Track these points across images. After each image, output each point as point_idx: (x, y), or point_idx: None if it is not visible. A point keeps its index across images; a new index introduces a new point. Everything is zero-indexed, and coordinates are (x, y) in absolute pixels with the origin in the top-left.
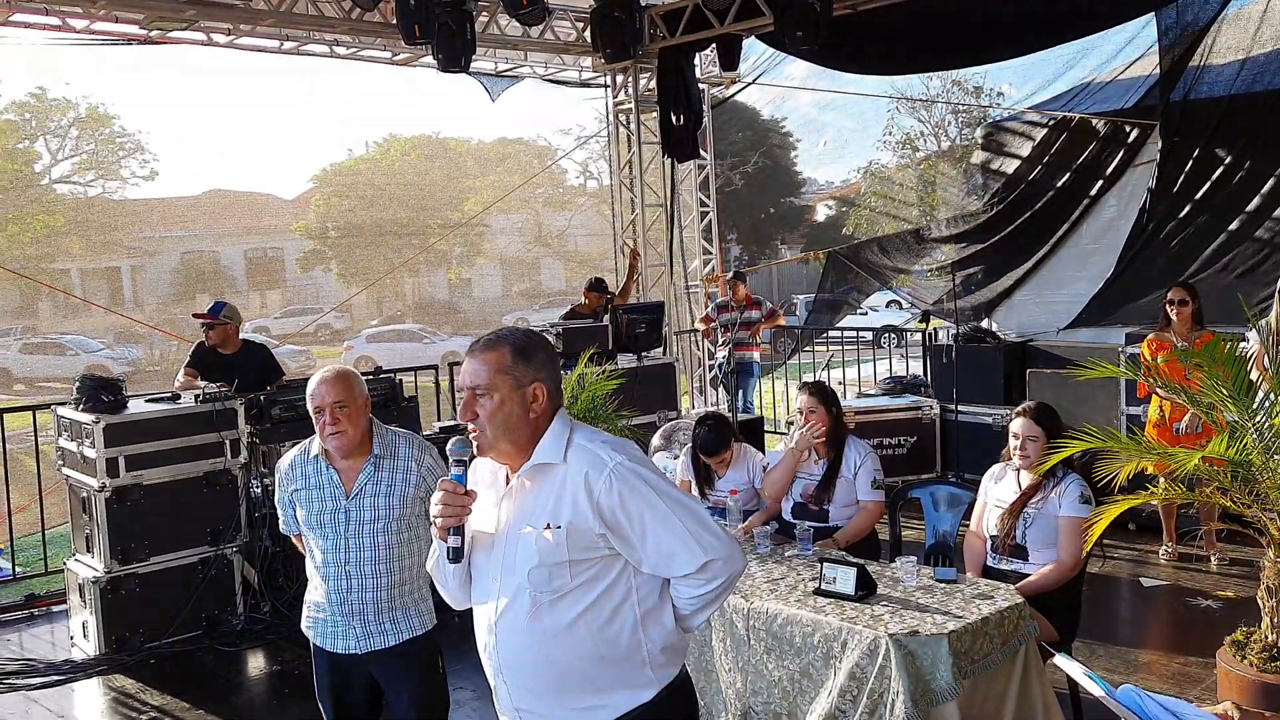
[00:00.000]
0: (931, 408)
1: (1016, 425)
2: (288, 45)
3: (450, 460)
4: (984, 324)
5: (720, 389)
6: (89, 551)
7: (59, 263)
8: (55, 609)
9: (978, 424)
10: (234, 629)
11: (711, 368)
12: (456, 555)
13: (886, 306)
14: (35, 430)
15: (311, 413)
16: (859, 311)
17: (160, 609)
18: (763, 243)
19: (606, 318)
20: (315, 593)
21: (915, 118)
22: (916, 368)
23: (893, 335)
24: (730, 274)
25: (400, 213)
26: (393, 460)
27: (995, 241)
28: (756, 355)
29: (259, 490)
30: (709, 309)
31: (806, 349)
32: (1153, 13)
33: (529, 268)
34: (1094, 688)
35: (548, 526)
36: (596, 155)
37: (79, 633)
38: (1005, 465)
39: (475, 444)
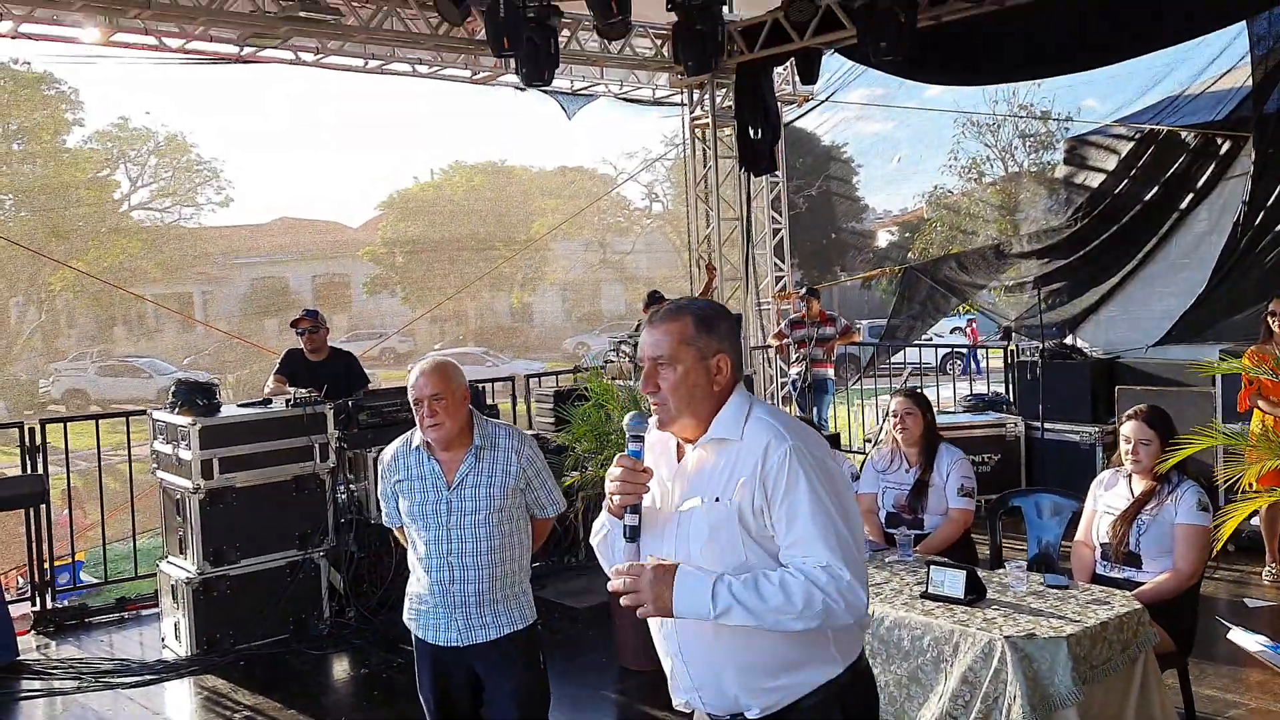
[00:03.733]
0: (1016, 425)
1: (1128, 429)
2: (372, 64)
3: (627, 436)
4: (1068, 340)
5: (794, 405)
6: (181, 553)
7: (134, 287)
8: (145, 613)
9: (1064, 442)
10: (320, 633)
11: (783, 385)
12: (633, 534)
13: (951, 333)
14: (129, 436)
15: (411, 404)
16: (920, 340)
17: (250, 611)
18: (824, 268)
19: None
20: (418, 585)
21: (982, 142)
22: (984, 390)
23: (959, 360)
24: (804, 290)
25: (464, 239)
26: (493, 451)
27: (1080, 256)
28: (831, 372)
29: (345, 496)
30: (782, 325)
31: (869, 375)
32: (1244, 23)
33: (590, 292)
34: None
35: (716, 500)
36: (663, 178)
37: (170, 634)
38: (1116, 471)
39: (657, 417)
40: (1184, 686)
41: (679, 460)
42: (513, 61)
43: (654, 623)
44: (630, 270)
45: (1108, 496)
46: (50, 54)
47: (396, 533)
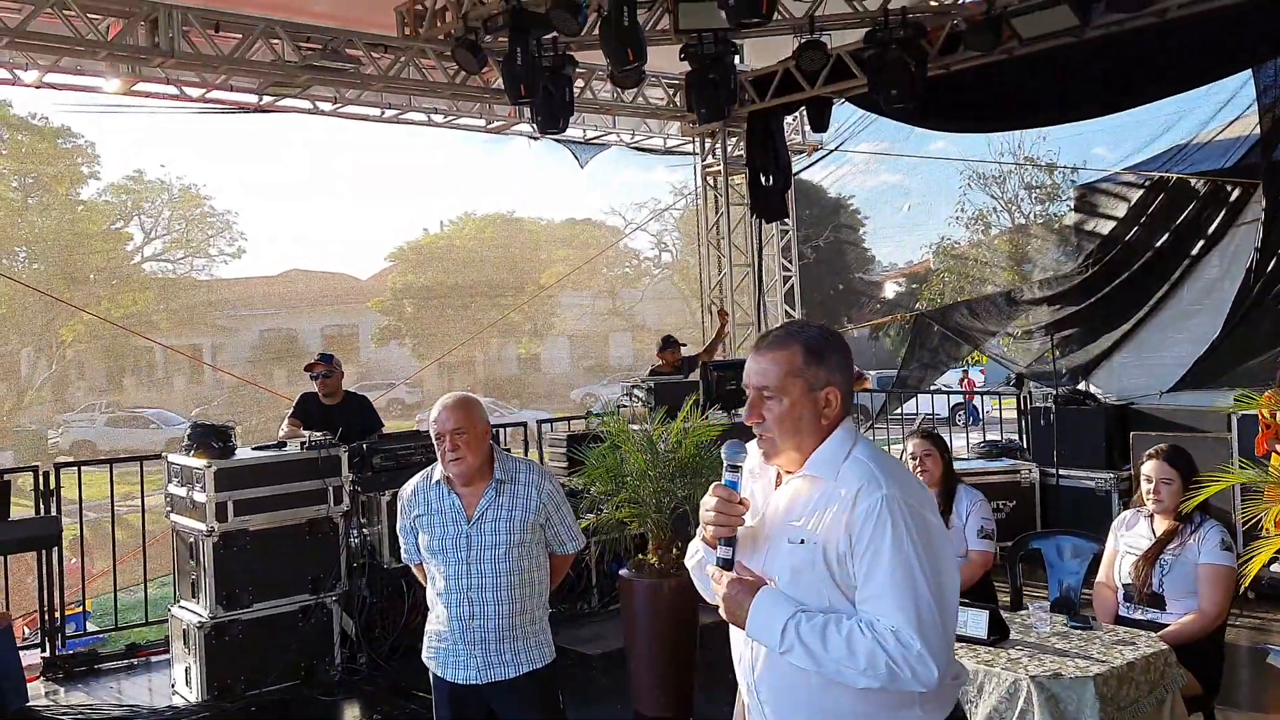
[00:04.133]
0: (1030, 471)
1: (1149, 468)
2: (389, 113)
3: (725, 465)
4: (1081, 386)
5: None
6: (194, 597)
7: (143, 339)
8: (155, 659)
9: (1079, 488)
10: (332, 679)
11: None
12: (728, 565)
13: (960, 383)
14: (142, 480)
15: (433, 439)
16: (929, 388)
17: (261, 656)
18: (832, 317)
19: (695, 374)
20: (436, 622)
21: (988, 193)
22: (997, 437)
23: (965, 412)
24: None
25: (475, 285)
26: (513, 486)
27: (1092, 303)
28: None
29: (358, 540)
30: None
31: (879, 424)
32: (1250, 71)
33: (598, 342)
34: None
35: (801, 542)
36: (671, 227)
37: (180, 680)
38: (1137, 511)
39: (761, 449)
40: None
41: (776, 488)
42: (528, 110)
43: (735, 652)
44: (639, 320)
45: (1129, 536)
46: (68, 104)
47: (415, 570)
